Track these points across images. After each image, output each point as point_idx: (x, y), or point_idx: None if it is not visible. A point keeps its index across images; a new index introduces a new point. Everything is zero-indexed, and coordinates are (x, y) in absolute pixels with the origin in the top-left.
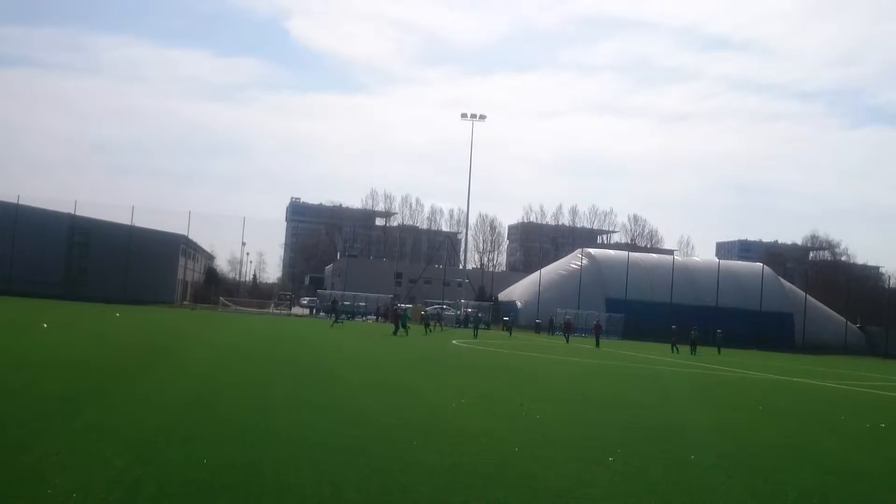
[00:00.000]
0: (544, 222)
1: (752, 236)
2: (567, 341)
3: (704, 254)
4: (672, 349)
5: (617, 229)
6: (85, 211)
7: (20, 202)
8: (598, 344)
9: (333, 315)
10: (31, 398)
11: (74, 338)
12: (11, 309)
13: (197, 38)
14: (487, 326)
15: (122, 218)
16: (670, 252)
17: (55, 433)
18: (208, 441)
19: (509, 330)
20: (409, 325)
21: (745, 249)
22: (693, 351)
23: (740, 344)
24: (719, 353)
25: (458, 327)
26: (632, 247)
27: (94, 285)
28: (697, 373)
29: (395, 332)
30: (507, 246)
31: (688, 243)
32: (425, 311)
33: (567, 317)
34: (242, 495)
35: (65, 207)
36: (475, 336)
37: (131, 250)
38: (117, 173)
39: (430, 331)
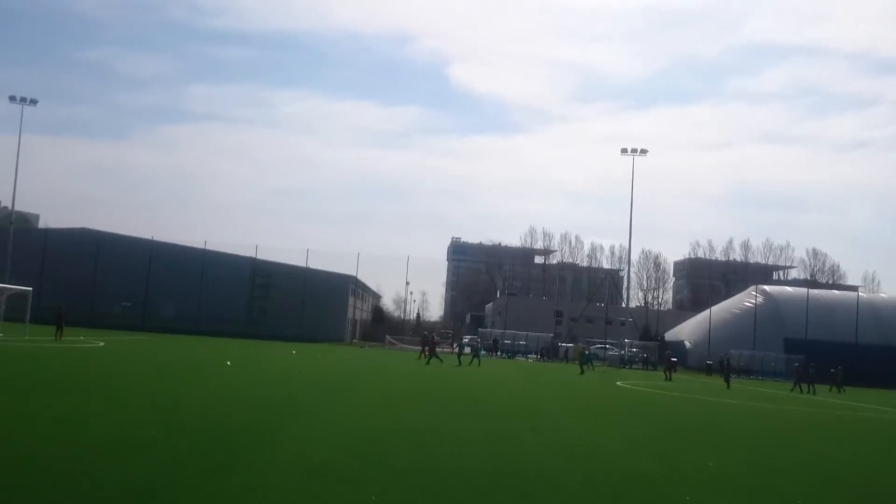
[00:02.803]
0: (713, 258)
1: None
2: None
3: (893, 290)
4: (794, 387)
5: (795, 264)
6: (265, 254)
7: (207, 247)
8: (728, 384)
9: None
10: (218, 432)
11: (255, 374)
12: (200, 347)
13: (364, 90)
14: (654, 367)
15: (298, 260)
16: (854, 288)
17: (237, 465)
18: (375, 481)
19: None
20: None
21: None
22: (811, 390)
23: None
24: (840, 391)
25: (622, 367)
26: (812, 283)
27: (272, 324)
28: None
29: (427, 361)
30: (673, 283)
31: (873, 279)
32: (587, 350)
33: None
34: None
35: (247, 252)
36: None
37: (306, 291)
38: (293, 218)
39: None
